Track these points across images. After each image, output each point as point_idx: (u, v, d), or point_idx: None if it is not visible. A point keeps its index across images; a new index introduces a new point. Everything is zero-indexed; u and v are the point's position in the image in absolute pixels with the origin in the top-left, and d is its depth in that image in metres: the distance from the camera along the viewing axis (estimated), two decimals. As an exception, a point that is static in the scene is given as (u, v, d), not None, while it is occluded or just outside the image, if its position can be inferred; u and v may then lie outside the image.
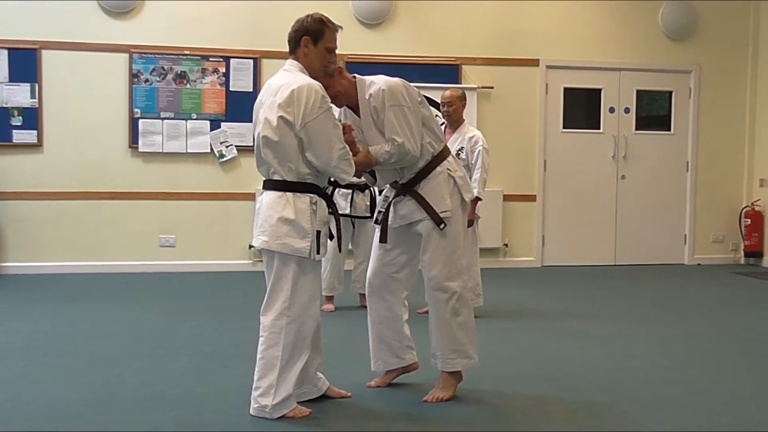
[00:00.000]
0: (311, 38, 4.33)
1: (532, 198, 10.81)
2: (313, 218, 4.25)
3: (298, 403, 4.38)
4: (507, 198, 10.63)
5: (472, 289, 7.15)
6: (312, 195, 4.28)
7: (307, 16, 4.38)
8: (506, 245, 10.68)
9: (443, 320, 4.67)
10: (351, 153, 4.33)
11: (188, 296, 8.31)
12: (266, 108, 4.25)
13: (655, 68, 11.08)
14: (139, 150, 9.82)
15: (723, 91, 11.24)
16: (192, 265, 9.87)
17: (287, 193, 4.24)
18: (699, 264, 11.21)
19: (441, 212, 4.61)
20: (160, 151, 9.86)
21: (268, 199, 4.30)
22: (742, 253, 11.30)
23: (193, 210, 9.93)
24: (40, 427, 4.18)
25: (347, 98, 4.68)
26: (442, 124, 7.59)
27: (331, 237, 4.50)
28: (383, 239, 4.78)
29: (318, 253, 4.28)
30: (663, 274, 10.34)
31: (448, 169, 4.69)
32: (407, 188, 4.71)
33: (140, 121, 9.80)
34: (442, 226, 4.60)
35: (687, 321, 7.29)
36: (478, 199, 7.09)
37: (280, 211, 4.22)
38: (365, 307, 7.46)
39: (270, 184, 4.32)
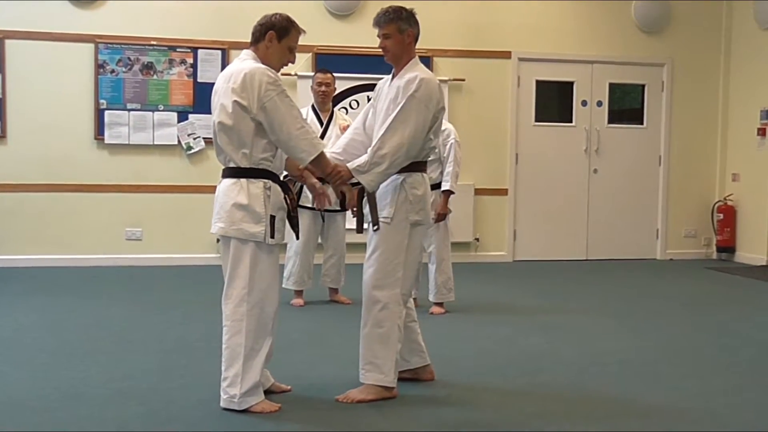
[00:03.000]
0: (277, 34, 4.41)
1: (503, 192, 10.76)
2: (267, 203, 4.30)
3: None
4: (478, 192, 10.57)
5: (444, 283, 7.13)
6: (266, 180, 4.33)
7: (276, 14, 4.46)
8: (477, 239, 10.62)
9: (365, 328, 4.60)
10: (312, 133, 4.37)
11: (155, 290, 8.22)
12: (221, 95, 4.31)
13: (628, 61, 11.05)
14: (105, 142, 9.68)
15: (696, 85, 11.24)
16: (159, 258, 9.74)
17: (241, 179, 4.30)
18: (671, 259, 11.21)
19: (380, 218, 4.56)
20: (127, 143, 9.72)
21: (223, 186, 4.38)
22: (714, 248, 11.30)
23: (160, 203, 9.80)
24: (2, 423, 4.12)
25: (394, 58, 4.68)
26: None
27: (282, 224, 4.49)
28: (358, 229, 4.75)
29: (272, 237, 4.32)
30: (635, 269, 10.33)
31: (405, 181, 4.58)
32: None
33: (106, 112, 9.65)
34: (375, 227, 4.55)
35: (658, 316, 7.27)
36: (450, 192, 7.04)
37: (234, 197, 4.28)
38: (335, 301, 7.51)
39: (226, 172, 4.40)
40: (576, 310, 7.50)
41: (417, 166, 4.65)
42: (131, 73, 9.69)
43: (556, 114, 11.12)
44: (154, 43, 9.74)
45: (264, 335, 4.31)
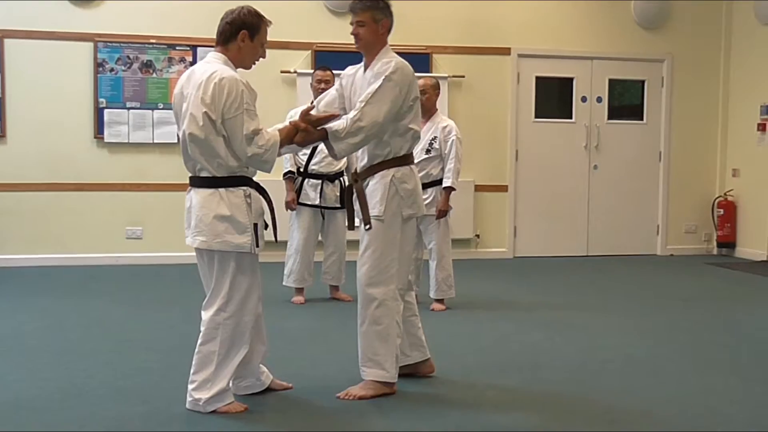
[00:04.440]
0: (249, 33, 4.28)
1: (503, 188, 10.75)
2: (249, 212, 4.22)
3: (241, 396, 4.44)
4: (478, 188, 10.56)
5: (444, 280, 7.13)
6: (245, 188, 4.24)
7: (242, 8, 4.31)
8: (478, 236, 10.61)
9: (362, 326, 4.57)
10: (265, 143, 4.18)
11: (155, 289, 8.21)
12: (191, 104, 4.14)
13: (628, 57, 11.04)
14: (105, 140, 9.67)
15: (696, 81, 11.22)
16: (159, 257, 9.74)
17: (219, 189, 4.19)
18: (671, 255, 11.20)
19: (372, 216, 4.52)
20: (126, 141, 9.71)
21: (199, 197, 4.24)
22: (715, 243, 11.29)
23: (160, 201, 9.79)
24: (4, 423, 4.10)
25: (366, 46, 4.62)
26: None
27: (265, 226, 4.45)
28: (349, 226, 4.76)
29: (258, 246, 4.26)
30: (635, 265, 10.32)
31: (394, 176, 4.55)
32: (354, 179, 4.65)
33: (106, 111, 9.64)
34: (367, 226, 4.52)
35: (659, 312, 7.26)
36: (452, 189, 7.03)
37: (214, 209, 4.17)
38: (335, 299, 7.51)
39: (199, 181, 4.26)
40: (576, 306, 7.49)
41: (404, 159, 4.62)
42: (130, 72, 9.68)
43: (556, 110, 11.11)
44: (153, 41, 9.72)
45: (239, 344, 4.27)
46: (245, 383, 4.52)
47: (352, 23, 4.64)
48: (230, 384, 4.31)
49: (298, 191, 7.20)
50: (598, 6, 10.90)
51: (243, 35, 4.26)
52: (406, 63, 4.60)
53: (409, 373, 4.86)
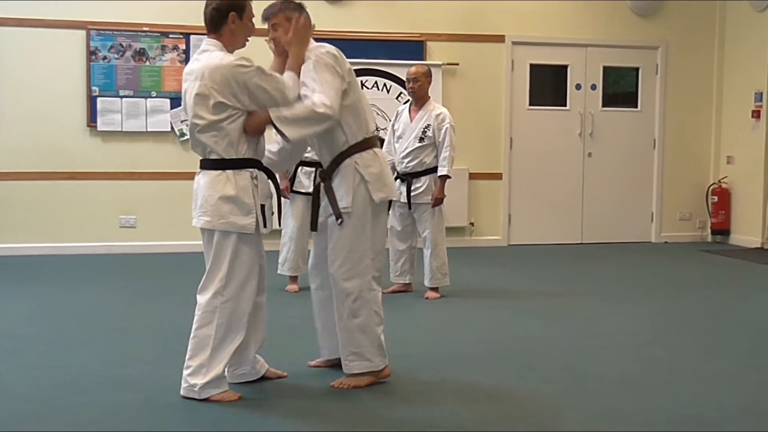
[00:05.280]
0: (237, 13, 4.29)
1: (498, 176, 10.74)
2: (255, 193, 4.23)
3: (235, 384, 4.42)
4: (473, 176, 10.54)
5: (439, 268, 7.13)
6: (252, 170, 4.25)
7: None
8: (472, 224, 10.61)
9: (341, 320, 4.52)
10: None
11: (149, 277, 8.19)
12: (194, 92, 4.16)
13: (622, 44, 11.02)
14: (98, 129, 9.64)
15: (690, 68, 11.21)
16: (153, 245, 9.72)
17: (226, 171, 4.20)
18: (666, 242, 11.21)
19: (341, 208, 4.47)
20: (120, 130, 9.68)
21: (206, 179, 4.25)
22: (709, 230, 11.29)
23: (153, 190, 9.77)
24: (-4, 412, 4.10)
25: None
26: (406, 102, 7.53)
27: (271, 212, 4.46)
28: (312, 227, 4.68)
29: (265, 226, 4.28)
30: (630, 253, 10.33)
31: (356, 162, 4.47)
32: (322, 178, 4.57)
33: (98, 99, 9.60)
34: (339, 221, 4.45)
35: (654, 299, 7.26)
36: (447, 177, 7.03)
37: (220, 190, 4.18)
38: (329, 287, 7.46)
39: (208, 164, 4.27)
40: (571, 293, 7.50)
41: (365, 143, 4.54)
42: (123, 60, 9.64)
43: (550, 98, 11.09)
44: (146, 29, 9.68)
45: (236, 329, 4.25)
46: (240, 371, 4.51)
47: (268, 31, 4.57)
48: (225, 371, 4.30)
49: (292, 179, 7.18)
50: (592, -7, 10.89)
51: (232, 17, 4.27)
52: (329, 46, 4.54)
53: (335, 365, 4.79)
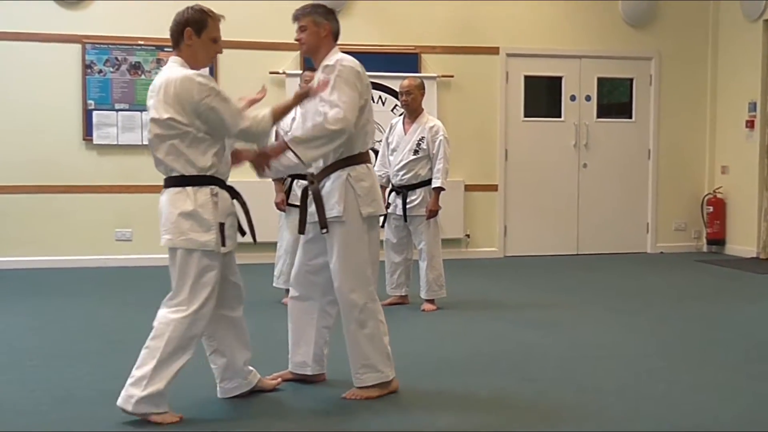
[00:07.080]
0: (194, 29, 4.21)
1: (493, 188, 10.75)
2: (215, 210, 4.16)
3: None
4: (468, 188, 10.56)
5: (435, 280, 7.13)
6: (212, 186, 4.18)
7: (187, 8, 4.27)
8: (468, 236, 10.61)
9: (350, 333, 4.54)
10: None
11: (145, 291, 8.13)
12: (155, 107, 4.13)
13: (616, 55, 11.06)
14: (94, 142, 9.65)
15: (684, 78, 11.24)
16: (149, 259, 9.68)
17: (187, 188, 4.14)
18: (661, 252, 11.22)
19: (331, 217, 4.46)
20: (115, 143, 9.69)
21: (167, 196, 4.19)
22: (705, 240, 11.32)
23: (149, 203, 9.58)
24: (-10, 427, 4.09)
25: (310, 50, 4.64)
26: (400, 114, 7.54)
27: (242, 233, 4.42)
28: (300, 230, 4.68)
29: (224, 245, 4.20)
30: (625, 263, 10.34)
31: (350, 175, 4.48)
32: (310, 182, 4.57)
33: (94, 112, 9.62)
34: (324, 230, 4.46)
35: (650, 310, 7.26)
36: (441, 189, 7.04)
37: (180, 207, 4.12)
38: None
39: (169, 181, 4.21)
40: (567, 305, 7.49)
41: (360, 158, 4.55)
42: (119, 73, 9.66)
43: (545, 109, 11.12)
44: (142, 42, 9.71)
45: (186, 348, 4.14)
46: (231, 384, 4.49)
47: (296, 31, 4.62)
48: (167, 389, 4.12)
49: (288, 192, 7.17)
50: (585, 5, 10.91)
51: (188, 33, 4.20)
52: (352, 59, 4.57)
53: (300, 379, 4.81)
